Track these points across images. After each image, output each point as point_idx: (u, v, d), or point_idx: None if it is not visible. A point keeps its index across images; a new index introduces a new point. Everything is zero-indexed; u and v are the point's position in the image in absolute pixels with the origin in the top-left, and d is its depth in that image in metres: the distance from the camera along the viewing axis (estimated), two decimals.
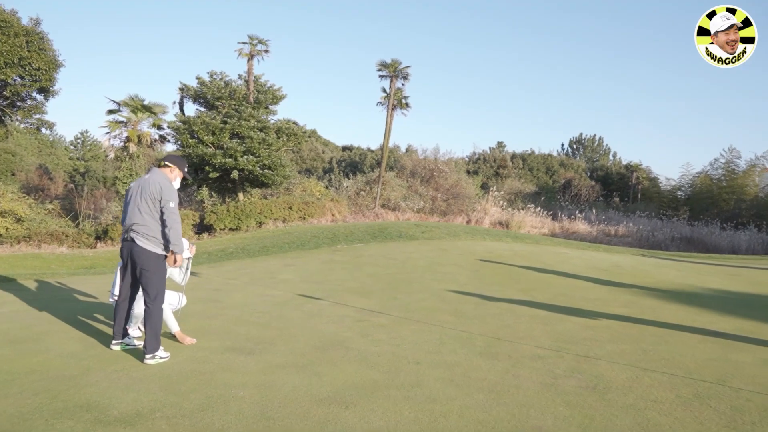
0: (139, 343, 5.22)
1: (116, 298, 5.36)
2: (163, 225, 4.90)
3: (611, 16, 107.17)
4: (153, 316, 4.86)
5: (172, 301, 5.62)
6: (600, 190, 40.34)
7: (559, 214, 30.89)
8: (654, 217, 31.58)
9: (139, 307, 5.29)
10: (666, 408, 4.13)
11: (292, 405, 3.88)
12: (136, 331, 5.48)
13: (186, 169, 5.42)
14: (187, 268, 5.75)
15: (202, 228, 20.47)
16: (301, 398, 4.02)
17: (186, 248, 5.54)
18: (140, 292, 5.35)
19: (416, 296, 8.59)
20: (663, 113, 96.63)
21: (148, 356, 4.82)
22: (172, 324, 5.37)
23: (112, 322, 5.37)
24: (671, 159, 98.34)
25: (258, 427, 3.46)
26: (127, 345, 5.20)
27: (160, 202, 4.87)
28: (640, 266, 12.68)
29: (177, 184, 5.31)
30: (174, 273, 5.68)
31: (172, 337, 5.40)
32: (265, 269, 11.26)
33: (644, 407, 4.13)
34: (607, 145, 58.91)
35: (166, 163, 5.24)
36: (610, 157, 56.75)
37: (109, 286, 8.35)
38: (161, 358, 4.86)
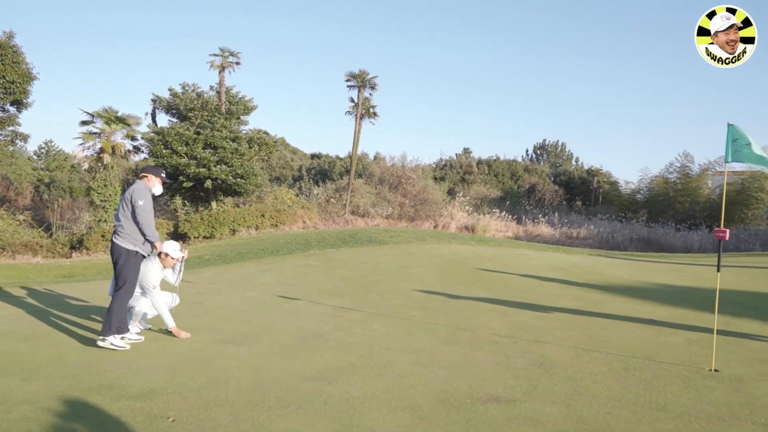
0: (138, 338, 5.81)
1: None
2: (136, 222, 5.67)
3: (576, 20, 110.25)
4: (114, 303, 5.54)
5: (167, 300, 6.21)
6: (563, 194, 41.78)
7: (524, 218, 32.01)
8: (614, 219, 32.96)
9: (139, 304, 5.87)
10: (598, 378, 4.93)
11: (283, 382, 4.55)
12: (135, 327, 6.05)
13: (163, 174, 6.13)
14: (180, 270, 6.35)
15: (176, 236, 20.81)
16: (290, 377, 4.69)
17: (177, 249, 6.16)
18: (138, 290, 5.96)
19: (386, 295, 9.27)
20: (624, 119, 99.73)
21: (99, 338, 5.47)
22: (168, 320, 5.94)
23: None
24: (631, 163, 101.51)
25: (256, 398, 4.12)
26: (130, 340, 5.77)
27: (131, 201, 5.64)
28: (595, 265, 13.63)
29: (158, 189, 6.03)
30: (168, 274, 6.27)
31: (169, 332, 5.98)
32: (242, 274, 11.80)
33: (580, 378, 4.92)
34: (569, 150, 60.83)
35: (143, 174, 5.99)
36: (573, 162, 58.54)
37: (94, 293, 8.86)
38: (113, 345, 5.44)
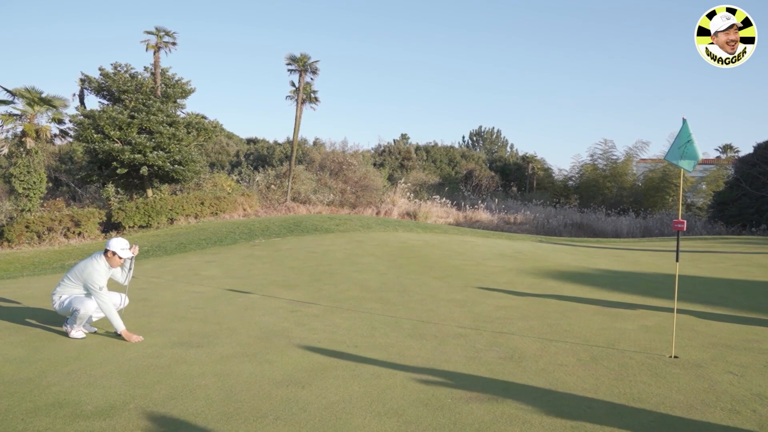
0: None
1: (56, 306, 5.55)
2: None
3: (512, 9, 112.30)
4: None
5: (115, 301, 5.76)
6: (499, 180, 42.63)
7: (463, 203, 32.46)
8: (548, 205, 33.98)
9: (84, 307, 5.40)
10: (570, 369, 4.95)
11: (254, 388, 4.27)
12: (79, 332, 5.58)
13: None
14: (129, 269, 5.90)
15: (110, 226, 19.68)
16: (261, 382, 4.42)
17: (126, 248, 5.72)
18: (83, 291, 5.51)
19: (341, 287, 9.08)
20: (557, 106, 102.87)
21: None
22: (118, 323, 5.49)
23: (48, 326, 5.52)
24: (564, 151, 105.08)
25: (229, 409, 3.84)
26: None
27: None
28: (539, 252, 13.93)
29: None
30: (116, 273, 5.82)
31: (118, 336, 5.54)
32: (186, 266, 11.28)
33: (553, 370, 4.92)
34: (504, 137, 62.23)
35: None
36: (508, 149, 59.88)
37: (23, 292, 8.20)
38: None
